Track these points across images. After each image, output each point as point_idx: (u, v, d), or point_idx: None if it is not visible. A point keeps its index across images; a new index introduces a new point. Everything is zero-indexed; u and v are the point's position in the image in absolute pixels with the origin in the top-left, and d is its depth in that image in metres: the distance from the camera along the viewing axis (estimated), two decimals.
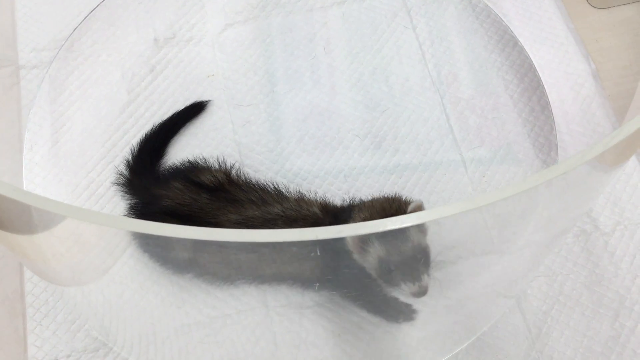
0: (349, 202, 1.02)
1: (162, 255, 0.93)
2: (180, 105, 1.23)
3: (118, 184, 1.12)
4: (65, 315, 1.03)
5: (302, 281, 1.00)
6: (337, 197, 1.12)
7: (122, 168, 1.13)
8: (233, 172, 1.10)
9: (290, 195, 1.05)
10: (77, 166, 1.18)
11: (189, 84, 1.28)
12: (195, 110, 1.23)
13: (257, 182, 1.07)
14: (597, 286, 1.07)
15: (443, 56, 1.32)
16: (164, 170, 1.14)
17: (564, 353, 1.02)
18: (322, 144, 1.21)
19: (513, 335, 1.03)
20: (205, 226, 0.97)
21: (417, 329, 1.01)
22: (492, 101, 1.26)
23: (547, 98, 1.26)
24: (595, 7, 1.37)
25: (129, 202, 1.10)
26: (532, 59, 1.31)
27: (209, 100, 1.24)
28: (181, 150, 1.18)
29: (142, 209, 1.06)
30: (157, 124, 1.20)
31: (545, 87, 1.27)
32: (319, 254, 0.58)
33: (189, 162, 1.12)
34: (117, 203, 1.13)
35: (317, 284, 0.98)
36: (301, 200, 1.04)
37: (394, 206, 0.94)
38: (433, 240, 0.89)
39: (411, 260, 0.86)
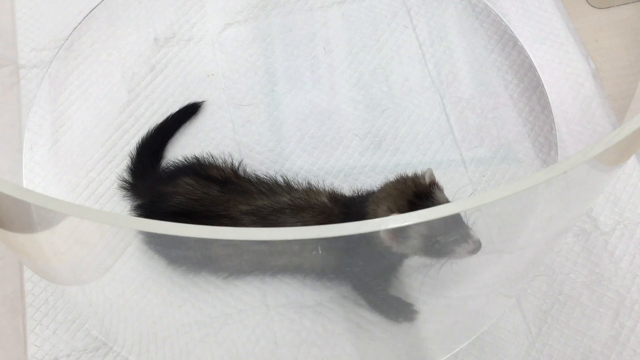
0: (358, 192, 1.02)
1: (170, 253, 0.93)
2: (180, 105, 1.24)
3: (122, 189, 1.12)
4: (65, 315, 1.03)
5: (310, 273, 1.00)
6: None
7: (124, 174, 1.13)
8: (239, 169, 1.10)
9: (298, 186, 1.05)
10: (77, 165, 1.18)
11: (189, 83, 1.28)
12: (190, 111, 1.23)
13: (265, 175, 1.08)
14: (597, 286, 1.07)
15: (443, 56, 1.32)
16: (165, 170, 1.14)
17: (564, 352, 1.02)
18: (322, 144, 1.21)
19: (513, 334, 1.03)
20: (218, 220, 0.97)
21: (418, 328, 1.01)
22: (492, 101, 1.26)
23: (546, 98, 1.26)
24: (595, 7, 1.38)
25: (133, 202, 1.10)
26: (532, 59, 1.31)
27: (203, 101, 1.24)
28: (181, 150, 1.18)
29: (149, 208, 1.06)
30: (153, 127, 1.19)
31: (545, 86, 1.27)
32: (320, 252, 0.58)
33: (196, 158, 1.12)
34: (118, 202, 1.13)
35: (331, 274, 0.98)
36: (309, 190, 1.04)
37: (409, 184, 0.93)
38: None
39: (453, 221, 0.84)
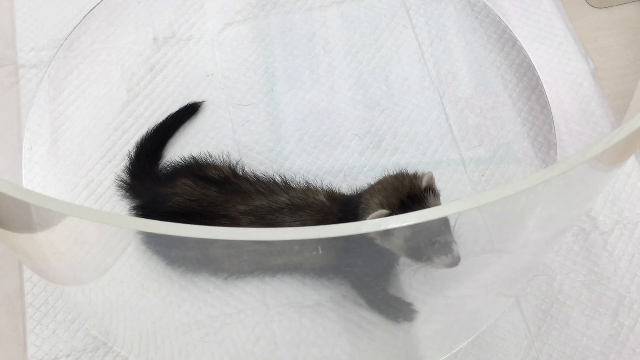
0: (356, 191, 1.02)
1: (169, 253, 0.93)
2: (179, 105, 1.24)
3: (120, 189, 1.12)
4: (65, 315, 1.03)
5: (310, 272, 1.00)
6: None
7: (123, 174, 1.13)
8: (237, 168, 1.10)
9: (296, 185, 1.05)
10: (77, 165, 1.18)
11: (188, 83, 1.28)
12: (190, 111, 1.23)
13: (264, 174, 1.08)
14: (596, 285, 1.07)
15: (442, 55, 1.32)
16: (164, 170, 1.14)
17: (563, 352, 1.02)
18: (322, 143, 1.21)
19: (512, 334, 1.03)
20: (216, 220, 0.97)
21: (417, 328, 1.01)
22: (492, 100, 1.26)
23: (546, 97, 1.26)
24: (594, 7, 1.38)
25: (131, 203, 1.10)
26: (531, 58, 1.31)
27: (203, 101, 1.24)
28: (181, 150, 1.18)
29: (148, 209, 1.06)
30: (152, 127, 1.19)
31: (544, 86, 1.27)
32: (320, 252, 0.58)
33: (193, 158, 1.12)
34: (117, 202, 1.13)
35: (331, 275, 0.98)
36: (307, 189, 1.04)
37: (406, 183, 0.93)
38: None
39: (438, 232, 0.85)
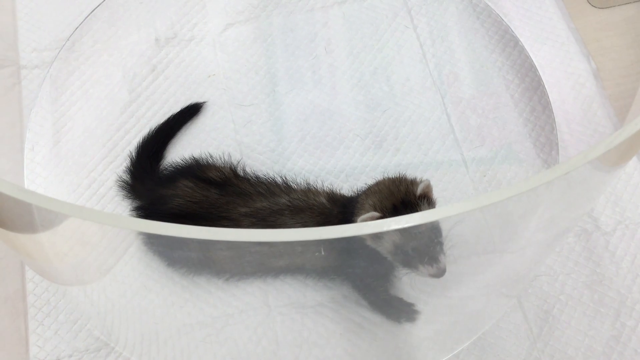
0: (357, 192, 1.02)
1: (171, 255, 0.93)
2: (181, 105, 1.24)
3: (121, 190, 1.12)
4: (67, 315, 1.04)
5: (312, 273, 1.00)
6: None
7: (124, 175, 1.13)
8: (239, 168, 1.11)
9: (297, 186, 1.05)
10: (79, 166, 1.18)
11: (190, 83, 1.28)
12: (192, 112, 1.23)
13: (264, 175, 1.08)
14: (598, 286, 1.07)
15: (444, 56, 1.32)
16: (165, 171, 1.14)
17: (565, 352, 1.02)
18: (324, 144, 1.21)
19: (514, 334, 1.03)
20: (218, 222, 0.98)
21: (419, 329, 1.01)
22: (493, 101, 1.26)
23: (547, 98, 1.26)
24: (595, 7, 1.38)
25: (132, 204, 1.10)
26: (533, 59, 1.31)
27: (204, 102, 1.24)
28: (182, 151, 1.18)
29: (149, 210, 1.06)
30: (154, 127, 1.19)
31: (546, 86, 1.27)
32: (323, 253, 0.58)
33: (194, 158, 1.12)
34: (119, 203, 1.13)
35: (332, 275, 0.98)
36: (308, 190, 1.04)
37: (402, 188, 0.93)
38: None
39: (427, 241, 0.86)
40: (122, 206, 1.12)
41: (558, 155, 1.19)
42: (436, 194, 1.15)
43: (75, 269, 0.83)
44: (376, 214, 0.89)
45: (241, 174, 1.09)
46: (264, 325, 1.00)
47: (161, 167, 1.16)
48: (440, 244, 0.87)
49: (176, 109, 1.23)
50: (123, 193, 1.12)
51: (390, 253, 0.88)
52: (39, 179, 1.17)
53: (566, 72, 1.29)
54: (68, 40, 1.32)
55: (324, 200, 1.01)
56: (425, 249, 0.86)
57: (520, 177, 1.18)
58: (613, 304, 1.06)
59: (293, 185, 1.05)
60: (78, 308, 1.03)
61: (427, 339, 1.04)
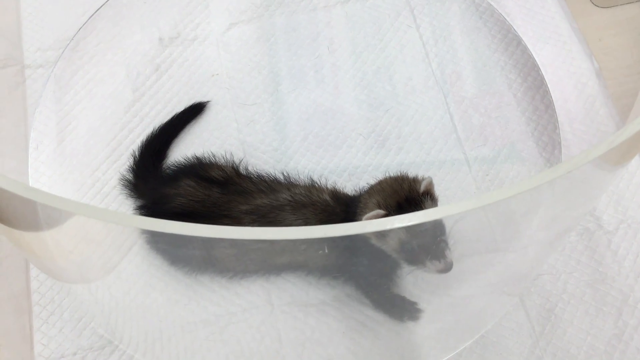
0: (360, 192, 1.02)
1: (174, 253, 0.93)
2: (184, 105, 1.24)
3: (123, 188, 1.13)
4: (71, 313, 1.04)
5: (314, 271, 1.00)
6: None
7: (127, 174, 1.13)
8: (241, 167, 1.11)
9: (300, 182, 1.05)
10: (83, 165, 1.18)
11: (193, 83, 1.28)
12: (195, 111, 1.23)
13: (267, 173, 1.08)
14: (601, 284, 1.07)
15: (446, 55, 1.32)
16: (168, 170, 1.14)
17: (567, 351, 1.02)
18: (326, 143, 1.21)
19: (517, 333, 1.03)
20: (219, 220, 0.98)
21: (421, 327, 1.01)
22: (496, 100, 1.26)
23: (550, 97, 1.26)
24: (598, 6, 1.38)
25: (135, 203, 1.11)
26: (536, 58, 1.31)
27: (208, 101, 1.25)
28: (186, 150, 1.19)
29: (151, 209, 1.07)
30: (157, 126, 1.20)
31: (548, 85, 1.27)
32: (326, 252, 0.59)
33: (197, 157, 1.13)
34: (123, 202, 1.13)
35: (336, 274, 0.98)
36: (312, 187, 1.04)
37: (405, 186, 0.94)
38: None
39: (432, 237, 0.86)
40: (125, 205, 1.13)
41: (561, 154, 1.19)
42: (439, 193, 1.16)
43: (79, 267, 0.83)
44: (381, 212, 0.89)
45: (243, 172, 1.10)
46: (267, 323, 1.00)
47: (164, 166, 1.16)
48: (445, 240, 0.87)
49: (179, 108, 1.23)
50: (126, 192, 1.12)
51: (395, 251, 0.88)
52: (44, 177, 1.17)
53: (569, 72, 1.29)
54: (72, 39, 1.33)
55: (327, 198, 1.01)
56: (431, 246, 0.87)
57: (523, 176, 1.18)
58: (615, 302, 1.06)
59: (295, 181, 1.06)
60: (82, 306, 1.04)
61: (429, 337, 1.04)
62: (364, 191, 0.98)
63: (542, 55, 1.31)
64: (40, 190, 0.53)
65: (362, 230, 0.48)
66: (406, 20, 1.36)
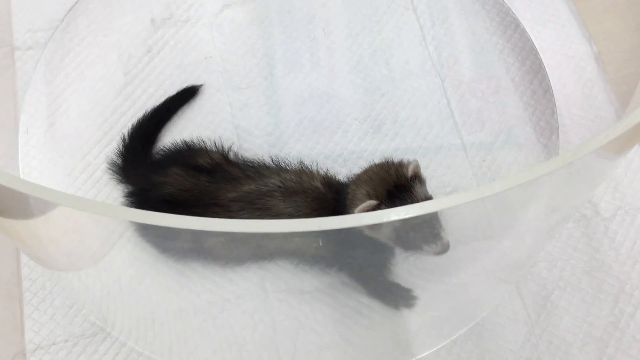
0: (351, 178, 1.01)
1: (163, 243, 0.92)
2: (177, 88, 1.22)
3: (112, 172, 1.11)
4: (62, 300, 1.03)
5: (309, 259, 0.99)
6: None
7: (115, 157, 1.11)
8: (231, 154, 1.09)
9: (289, 167, 1.04)
10: (74, 149, 1.16)
11: (186, 65, 1.26)
12: (188, 94, 1.21)
13: (255, 159, 1.07)
14: (597, 272, 1.07)
15: (444, 38, 1.30)
16: (158, 155, 1.13)
17: (563, 338, 1.02)
18: (321, 128, 1.20)
19: (512, 320, 1.03)
20: (208, 208, 0.97)
21: (417, 315, 1.00)
22: (493, 84, 1.25)
23: (548, 81, 1.25)
24: None
25: (125, 190, 1.09)
26: (534, 42, 1.29)
27: (201, 85, 1.23)
28: (178, 134, 1.17)
29: (140, 196, 1.05)
30: (149, 110, 1.18)
31: (546, 70, 1.26)
32: (321, 244, 0.58)
33: (186, 143, 1.11)
34: (114, 187, 1.12)
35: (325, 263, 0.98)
36: (302, 172, 1.02)
37: (392, 172, 0.93)
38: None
39: (426, 221, 0.85)
40: (117, 190, 1.11)
41: (558, 140, 1.18)
42: (435, 179, 1.15)
43: (69, 255, 0.82)
44: (373, 202, 0.88)
45: (233, 158, 1.08)
46: (261, 310, 0.99)
47: (155, 150, 1.14)
48: (439, 221, 0.86)
49: (172, 91, 1.21)
50: (114, 177, 1.10)
51: (391, 239, 0.87)
52: (34, 162, 1.16)
53: (567, 56, 1.28)
54: (62, 21, 1.30)
55: (318, 185, 1.00)
56: (426, 227, 0.86)
57: (520, 162, 1.17)
58: (612, 290, 1.05)
59: (285, 165, 1.04)
60: (73, 293, 1.03)
61: (424, 325, 1.04)
62: (351, 181, 0.97)
63: (540, 39, 1.29)
64: (27, 180, 0.52)
65: (359, 224, 0.47)
66: (403, 3, 1.34)
